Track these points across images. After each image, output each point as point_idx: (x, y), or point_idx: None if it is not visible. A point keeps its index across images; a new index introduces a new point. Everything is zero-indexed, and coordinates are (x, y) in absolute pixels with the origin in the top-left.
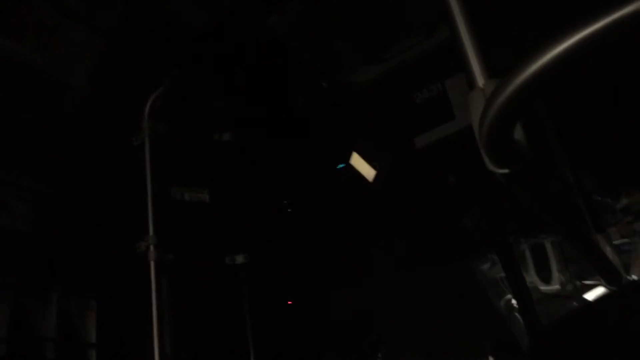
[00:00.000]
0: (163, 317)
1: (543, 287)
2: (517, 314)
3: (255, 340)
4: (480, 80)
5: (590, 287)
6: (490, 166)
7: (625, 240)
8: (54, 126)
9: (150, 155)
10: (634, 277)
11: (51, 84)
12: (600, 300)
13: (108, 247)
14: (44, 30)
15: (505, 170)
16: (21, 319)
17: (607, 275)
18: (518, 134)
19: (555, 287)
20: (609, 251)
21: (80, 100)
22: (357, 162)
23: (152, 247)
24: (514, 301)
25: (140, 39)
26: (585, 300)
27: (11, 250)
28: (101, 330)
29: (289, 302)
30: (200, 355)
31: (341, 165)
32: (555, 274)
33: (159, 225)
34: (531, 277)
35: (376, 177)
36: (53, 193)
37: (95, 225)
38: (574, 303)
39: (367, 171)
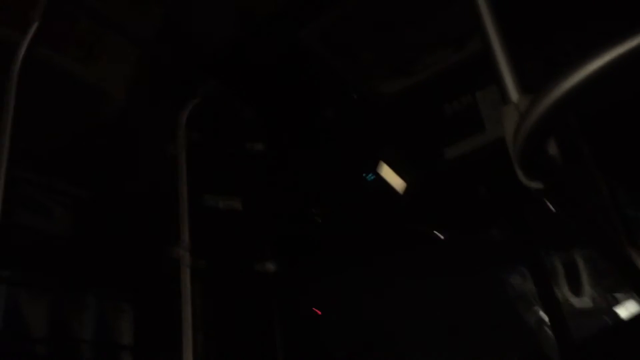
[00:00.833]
0: (195, 321)
1: (574, 302)
2: (547, 329)
3: (283, 347)
4: (513, 95)
5: (622, 302)
6: (524, 180)
7: None
8: (92, 134)
9: (185, 163)
10: None
11: (91, 93)
12: (634, 319)
13: (143, 252)
14: (86, 41)
15: (539, 185)
16: (59, 320)
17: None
18: (552, 148)
19: (586, 301)
20: None
21: (118, 109)
22: (387, 173)
23: (185, 253)
24: (544, 315)
25: (175, 50)
26: (617, 315)
27: (50, 253)
28: (136, 334)
29: (318, 312)
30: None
31: (370, 176)
32: (587, 288)
33: (193, 231)
34: (562, 291)
35: (405, 188)
36: (91, 199)
37: (131, 230)
38: (606, 318)
39: (397, 182)
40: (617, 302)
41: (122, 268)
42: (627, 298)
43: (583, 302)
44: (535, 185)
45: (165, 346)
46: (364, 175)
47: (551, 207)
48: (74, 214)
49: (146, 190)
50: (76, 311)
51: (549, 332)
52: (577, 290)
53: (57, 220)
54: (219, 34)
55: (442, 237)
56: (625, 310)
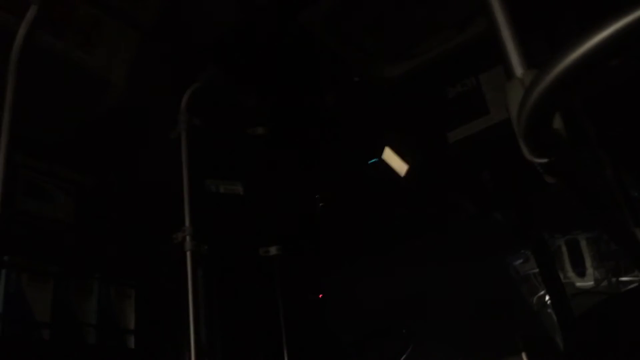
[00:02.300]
0: (198, 306)
1: (578, 283)
2: (550, 311)
3: (287, 331)
4: (518, 70)
5: (625, 284)
6: (529, 155)
7: None
8: (94, 121)
9: (186, 148)
10: None
11: (91, 79)
12: (630, 290)
13: (147, 237)
14: (84, 26)
15: (544, 160)
16: (63, 305)
17: None
18: (557, 123)
19: (589, 283)
20: None
21: (119, 96)
22: (390, 156)
23: (188, 238)
24: (547, 297)
25: (175, 36)
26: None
27: (54, 239)
28: (139, 318)
29: (320, 295)
30: (234, 344)
31: (373, 160)
32: (590, 270)
33: (195, 216)
34: (566, 273)
35: (408, 171)
36: (94, 185)
37: (134, 216)
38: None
39: (400, 166)
40: (620, 283)
41: (125, 253)
42: (630, 279)
43: (586, 283)
44: (541, 160)
45: (169, 330)
46: (369, 160)
47: (555, 183)
48: (77, 201)
49: (149, 176)
50: (80, 296)
51: (552, 313)
52: (580, 272)
53: (60, 206)
54: (219, 18)
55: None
56: None
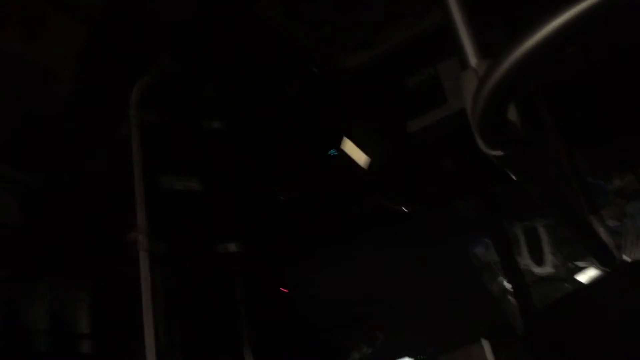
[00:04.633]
0: (156, 307)
1: (536, 270)
2: (510, 297)
3: (249, 327)
4: (473, 60)
5: (582, 269)
6: (484, 148)
7: (616, 222)
8: (39, 117)
9: (138, 144)
10: (626, 258)
11: (35, 72)
12: (594, 282)
13: (99, 238)
14: (27, 18)
15: (499, 152)
16: (12, 312)
17: (600, 256)
18: (512, 114)
19: (548, 269)
20: (602, 232)
21: (65, 90)
22: (349, 148)
23: (142, 237)
24: (507, 284)
25: (125, 27)
26: (578, 282)
27: None
28: (94, 322)
29: (285, 290)
30: (194, 344)
31: (333, 152)
32: (549, 256)
33: (149, 214)
34: (525, 260)
35: (368, 162)
36: (40, 185)
37: (85, 216)
38: (567, 285)
39: (360, 157)
40: (578, 269)
41: (76, 255)
42: (587, 265)
43: (545, 270)
44: (495, 153)
45: (126, 333)
46: (328, 151)
47: (511, 175)
48: (23, 202)
49: (99, 174)
50: (29, 301)
51: (513, 300)
52: (538, 259)
53: (5, 208)
54: (174, 7)
55: (407, 210)
56: (585, 276)
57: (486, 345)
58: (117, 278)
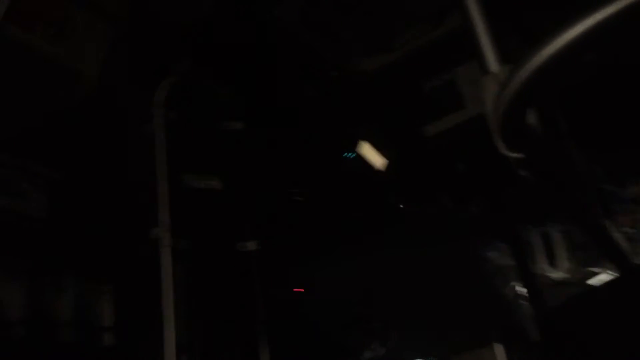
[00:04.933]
0: (176, 302)
1: (551, 275)
2: (522, 302)
3: (264, 325)
4: (493, 66)
5: (597, 275)
6: (504, 150)
7: (631, 230)
8: (65, 114)
9: (161, 142)
10: None
11: (62, 72)
12: (606, 284)
13: (123, 233)
14: (55, 19)
15: (519, 154)
16: (37, 303)
17: (616, 260)
18: (531, 118)
19: (562, 274)
20: (618, 237)
21: (91, 89)
22: (366, 151)
23: (164, 233)
24: (519, 288)
25: (149, 28)
26: (592, 287)
27: (26, 235)
28: (117, 315)
29: (301, 290)
30: (212, 340)
31: (350, 154)
32: (563, 261)
33: (171, 211)
34: (539, 265)
35: (385, 165)
36: (67, 180)
37: (109, 211)
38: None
39: (376, 160)
40: (592, 274)
41: (101, 249)
42: (601, 270)
43: (559, 274)
44: (515, 155)
45: (147, 327)
46: (344, 153)
47: (529, 177)
48: (50, 196)
49: (124, 170)
50: (54, 293)
51: (525, 304)
52: (553, 264)
53: (31, 201)
54: (195, 10)
55: (420, 213)
56: (599, 282)
57: (498, 349)
58: (140, 273)
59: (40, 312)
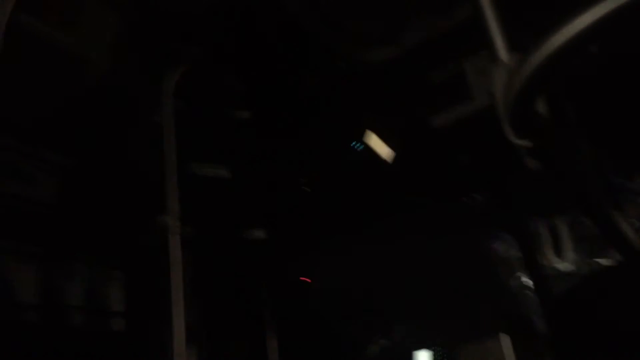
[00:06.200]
0: (185, 289)
1: (557, 266)
2: (529, 292)
3: (271, 313)
4: (503, 54)
5: (603, 265)
6: (513, 138)
7: (637, 222)
8: (75, 101)
9: (170, 130)
10: None
11: (72, 59)
12: (610, 271)
13: (133, 220)
14: (66, 7)
15: (527, 143)
16: (47, 288)
17: (624, 252)
18: (542, 107)
19: (569, 266)
20: (625, 227)
21: (100, 76)
22: (374, 141)
23: (173, 220)
24: (525, 279)
25: (157, 17)
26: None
27: (36, 221)
28: (127, 301)
29: (307, 280)
30: (219, 327)
31: (359, 145)
32: (570, 253)
33: (180, 199)
34: (545, 256)
35: (392, 156)
36: (77, 167)
37: (117, 198)
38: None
39: (384, 151)
40: (599, 266)
41: (111, 235)
42: (608, 262)
43: (565, 266)
44: (524, 143)
45: (157, 313)
46: (352, 144)
47: (536, 167)
48: (60, 182)
49: (132, 157)
50: (65, 278)
51: (529, 294)
52: (559, 255)
53: (42, 187)
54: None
55: (427, 204)
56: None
57: (505, 340)
58: (149, 259)
59: (51, 297)
